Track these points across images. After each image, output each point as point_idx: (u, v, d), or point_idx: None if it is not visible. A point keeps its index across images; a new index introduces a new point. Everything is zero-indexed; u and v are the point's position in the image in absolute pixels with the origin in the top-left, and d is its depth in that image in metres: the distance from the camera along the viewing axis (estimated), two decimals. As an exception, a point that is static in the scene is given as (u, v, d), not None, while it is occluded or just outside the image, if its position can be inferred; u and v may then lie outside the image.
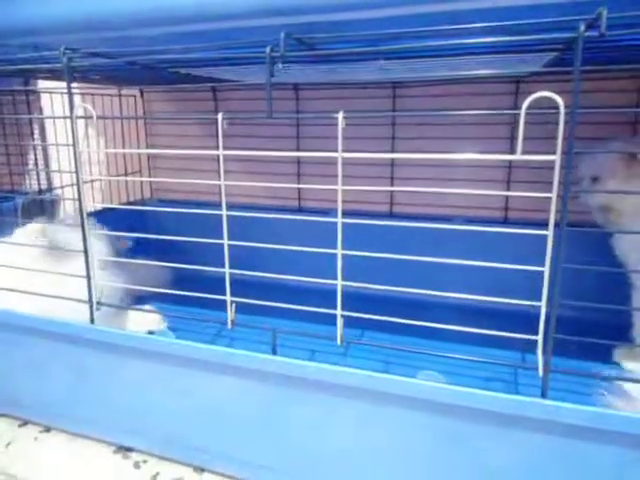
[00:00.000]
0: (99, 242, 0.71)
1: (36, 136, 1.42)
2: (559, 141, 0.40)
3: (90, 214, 0.62)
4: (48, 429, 0.74)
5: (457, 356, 0.52)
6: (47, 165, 1.41)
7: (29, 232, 0.76)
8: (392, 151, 1.13)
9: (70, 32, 0.50)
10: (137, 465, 0.66)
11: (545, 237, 0.44)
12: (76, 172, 0.55)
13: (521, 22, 0.40)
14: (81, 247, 0.61)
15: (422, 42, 0.42)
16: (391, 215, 1.18)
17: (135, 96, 1.31)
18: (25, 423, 0.76)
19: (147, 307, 0.85)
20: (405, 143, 1.12)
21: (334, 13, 0.43)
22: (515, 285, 0.64)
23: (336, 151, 0.50)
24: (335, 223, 0.53)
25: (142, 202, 1.37)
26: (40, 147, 1.38)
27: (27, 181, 1.47)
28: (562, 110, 0.38)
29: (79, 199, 0.56)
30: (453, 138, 1.07)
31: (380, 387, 0.50)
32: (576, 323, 0.65)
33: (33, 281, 0.70)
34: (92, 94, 1.18)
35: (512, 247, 0.75)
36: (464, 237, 0.79)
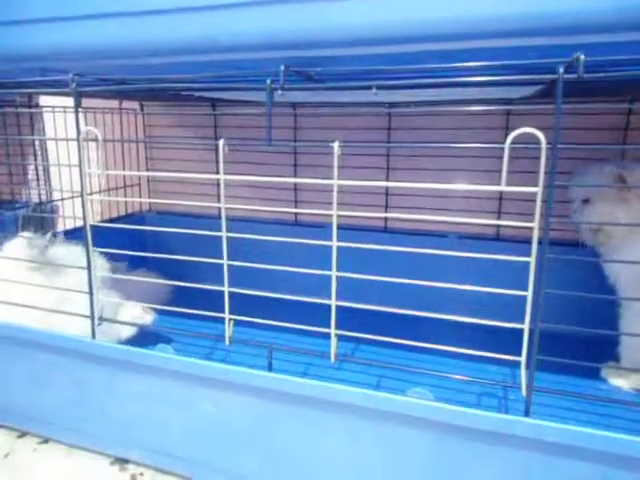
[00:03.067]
0: (98, 259, 0.73)
1: (37, 145, 1.44)
2: (541, 174, 0.42)
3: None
4: (46, 440, 0.76)
5: (444, 374, 0.54)
6: (47, 173, 1.42)
7: (16, 246, 0.78)
8: (387, 157, 1.16)
9: (80, 60, 0.53)
10: (134, 477, 0.68)
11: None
12: (81, 192, 0.57)
13: (508, 62, 0.43)
14: (72, 263, 0.63)
15: (415, 80, 0.45)
16: (386, 230, 1.20)
17: (135, 110, 1.34)
18: (24, 434, 0.77)
19: (131, 302, 0.85)
20: (401, 156, 1.15)
21: (330, 49, 0.46)
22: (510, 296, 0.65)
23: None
24: (331, 234, 0.55)
25: (140, 213, 1.39)
26: (40, 156, 1.40)
27: (27, 191, 1.49)
28: (544, 146, 0.41)
29: (84, 218, 0.58)
30: (447, 156, 1.10)
31: (370, 404, 0.52)
32: (566, 337, 0.67)
33: (23, 294, 0.72)
34: (94, 109, 1.20)
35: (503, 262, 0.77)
36: (458, 251, 0.81)
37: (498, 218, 1.11)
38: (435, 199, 1.11)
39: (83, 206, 0.58)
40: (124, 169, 1.32)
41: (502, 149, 0.43)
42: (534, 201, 0.45)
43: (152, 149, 1.39)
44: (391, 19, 0.43)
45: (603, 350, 0.80)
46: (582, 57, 0.38)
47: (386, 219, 1.19)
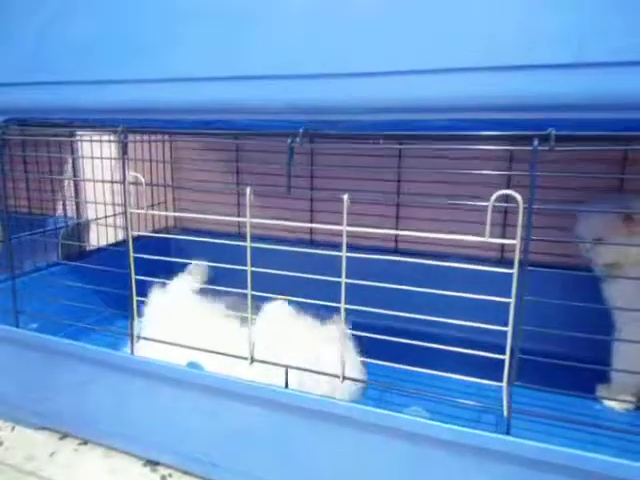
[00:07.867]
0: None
1: (69, 169, 1.53)
2: (519, 228, 0.49)
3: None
4: (85, 442, 0.85)
5: (438, 396, 0.61)
6: (78, 194, 1.52)
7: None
8: (398, 176, 1.23)
9: (129, 114, 0.62)
10: (164, 478, 0.76)
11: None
12: (126, 228, 0.66)
13: (501, 133, 0.51)
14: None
15: (420, 145, 0.52)
16: (396, 251, 1.27)
17: (164, 141, 1.43)
18: (65, 436, 0.86)
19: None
20: (410, 183, 1.23)
21: (345, 115, 0.54)
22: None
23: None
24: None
25: (166, 230, 1.49)
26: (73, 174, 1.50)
27: (60, 208, 1.59)
28: (521, 205, 0.48)
29: (128, 254, 0.67)
30: (454, 182, 1.17)
31: (369, 419, 0.60)
32: (561, 357, 0.72)
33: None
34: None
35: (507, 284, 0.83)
36: (463, 275, 0.86)
37: (502, 244, 1.17)
38: (443, 222, 1.18)
39: (128, 243, 0.67)
40: (152, 191, 1.42)
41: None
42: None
43: (177, 170, 1.50)
44: (398, 94, 0.51)
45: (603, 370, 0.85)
46: (553, 133, 0.45)
47: (396, 239, 1.27)
